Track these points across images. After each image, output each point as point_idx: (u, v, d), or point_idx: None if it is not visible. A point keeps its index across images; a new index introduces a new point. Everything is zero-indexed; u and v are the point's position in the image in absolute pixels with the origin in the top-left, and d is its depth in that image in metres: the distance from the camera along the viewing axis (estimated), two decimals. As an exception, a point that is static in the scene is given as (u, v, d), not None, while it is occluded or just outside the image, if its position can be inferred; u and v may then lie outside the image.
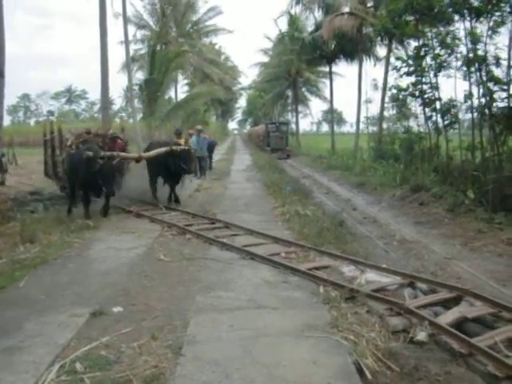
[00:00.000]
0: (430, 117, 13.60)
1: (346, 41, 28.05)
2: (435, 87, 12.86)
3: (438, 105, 13.01)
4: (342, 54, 31.17)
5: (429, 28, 12.74)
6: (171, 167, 10.76)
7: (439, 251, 7.91)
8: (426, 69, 12.89)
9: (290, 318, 4.42)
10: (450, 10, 11.44)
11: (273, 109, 54.20)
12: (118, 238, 7.94)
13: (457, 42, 11.72)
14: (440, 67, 12.41)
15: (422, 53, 12.85)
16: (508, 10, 10.26)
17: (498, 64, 10.44)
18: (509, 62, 10.21)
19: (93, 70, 27.82)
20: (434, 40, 12.46)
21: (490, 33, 10.59)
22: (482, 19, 10.75)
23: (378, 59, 28.82)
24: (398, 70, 13.59)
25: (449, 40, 11.87)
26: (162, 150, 11.00)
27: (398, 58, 14.21)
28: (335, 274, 5.75)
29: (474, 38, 10.77)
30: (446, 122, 12.92)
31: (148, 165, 11.67)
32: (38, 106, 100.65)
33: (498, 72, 10.55)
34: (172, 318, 4.46)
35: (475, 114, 11.77)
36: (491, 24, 10.55)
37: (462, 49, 11.54)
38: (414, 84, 13.49)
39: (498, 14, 10.43)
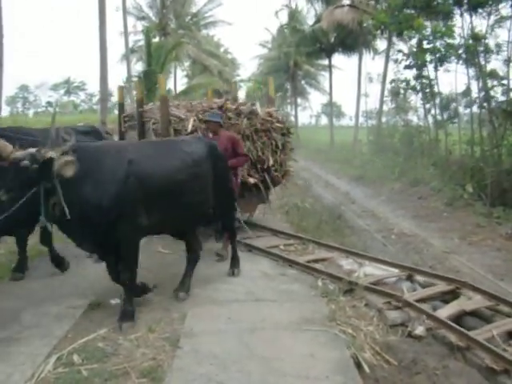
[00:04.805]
0: (429, 110, 13.59)
1: (345, 33, 27.91)
2: (435, 81, 12.83)
3: (438, 99, 12.99)
4: (341, 46, 31.00)
5: (429, 21, 12.67)
6: None
7: (437, 245, 7.92)
8: (427, 61, 12.84)
9: (288, 311, 4.41)
10: (451, 1, 11.37)
11: (272, 101, 54.01)
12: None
13: (456, 36, 11.70)
14: (440, 61, 12.36)
15: (426, 45, 12.78)
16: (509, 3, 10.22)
17: (498, 53, 10.42)
18: (508, 57, 10.17)
19: (92, 62, 27.64)
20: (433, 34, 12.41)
21: (489, 30, 10.58)
22: (481, 12, 10.70)
23: (377, 52, 28.67)
24: (400, 63, 13.55)
25: (448, 34, 11.84)
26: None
27: (399, 51, 14.16)
28: (333, 266, 5.74)
29: (474, 35, 10.73)
30: (446, 116, 12.90)
31: None
32: (37, 97, 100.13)
33: (498, 65, 10.56)
34: (169, 311, 4.44)
35: (475, 109, 11.78)
36: (493, 17, 10.52)
37: (462, 43, 11.51)
38: (415, 78, 13.44)
39: (495, 8, 10.40)
